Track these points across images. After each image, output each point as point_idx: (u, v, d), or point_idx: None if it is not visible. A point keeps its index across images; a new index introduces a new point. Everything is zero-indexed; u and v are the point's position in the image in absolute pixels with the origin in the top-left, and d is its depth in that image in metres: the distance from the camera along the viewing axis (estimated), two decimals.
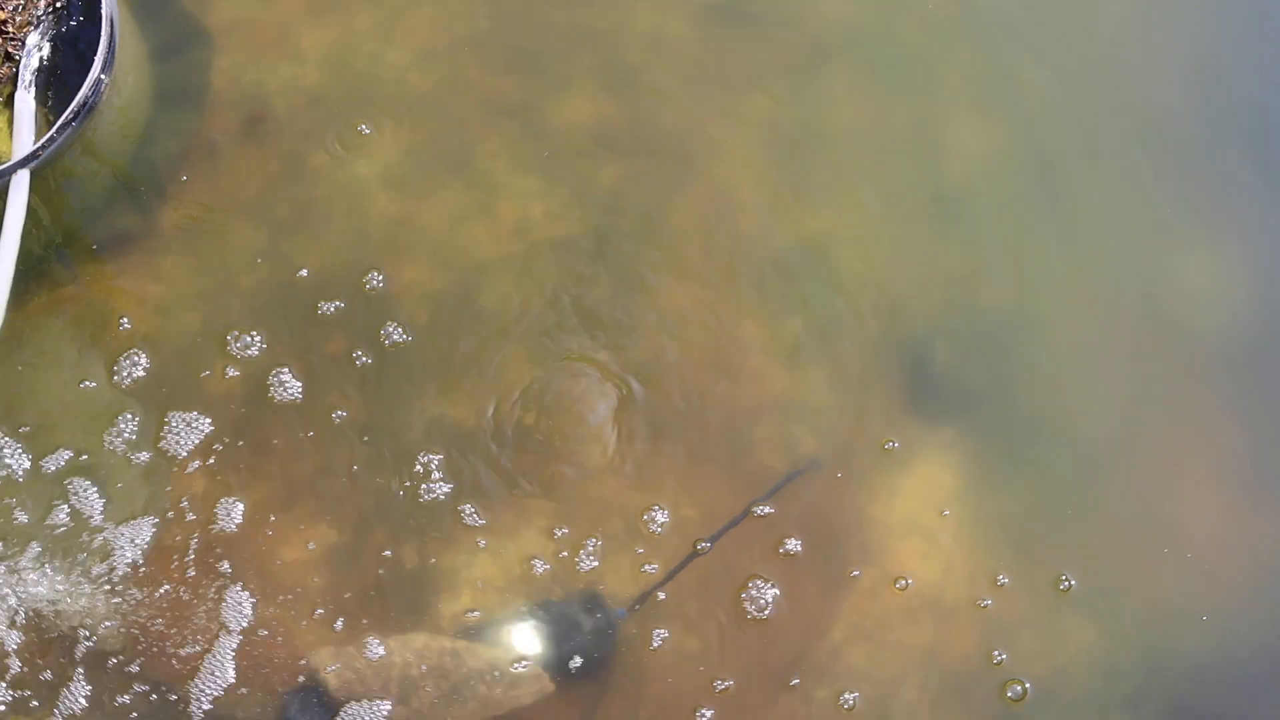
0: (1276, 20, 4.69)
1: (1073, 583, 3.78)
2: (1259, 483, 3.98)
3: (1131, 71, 4.57)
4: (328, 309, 3.92)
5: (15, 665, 3.48)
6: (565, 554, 3.70)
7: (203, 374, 3.83)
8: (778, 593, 3.69)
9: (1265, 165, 4.41)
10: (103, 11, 3.90)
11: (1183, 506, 3.92)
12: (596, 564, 3.69)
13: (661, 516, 3.76)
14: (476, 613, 3.61)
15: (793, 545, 3.74)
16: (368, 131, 4.20)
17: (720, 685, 3.60)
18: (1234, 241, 4.32)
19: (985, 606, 3.73)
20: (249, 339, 3.88)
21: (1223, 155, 4.45)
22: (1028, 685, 3.68)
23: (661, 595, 3.65)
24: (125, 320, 3.88)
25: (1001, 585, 3.76)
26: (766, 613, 3.67)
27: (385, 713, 3.47)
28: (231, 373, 3.84)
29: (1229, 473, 3.99)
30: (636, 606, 3.62)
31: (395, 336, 3.91)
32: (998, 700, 3.66)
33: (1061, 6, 4.65)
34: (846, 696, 3.62)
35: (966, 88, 4.48)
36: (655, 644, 3.62)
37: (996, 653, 3.70)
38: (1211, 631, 3.78)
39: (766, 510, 3.77)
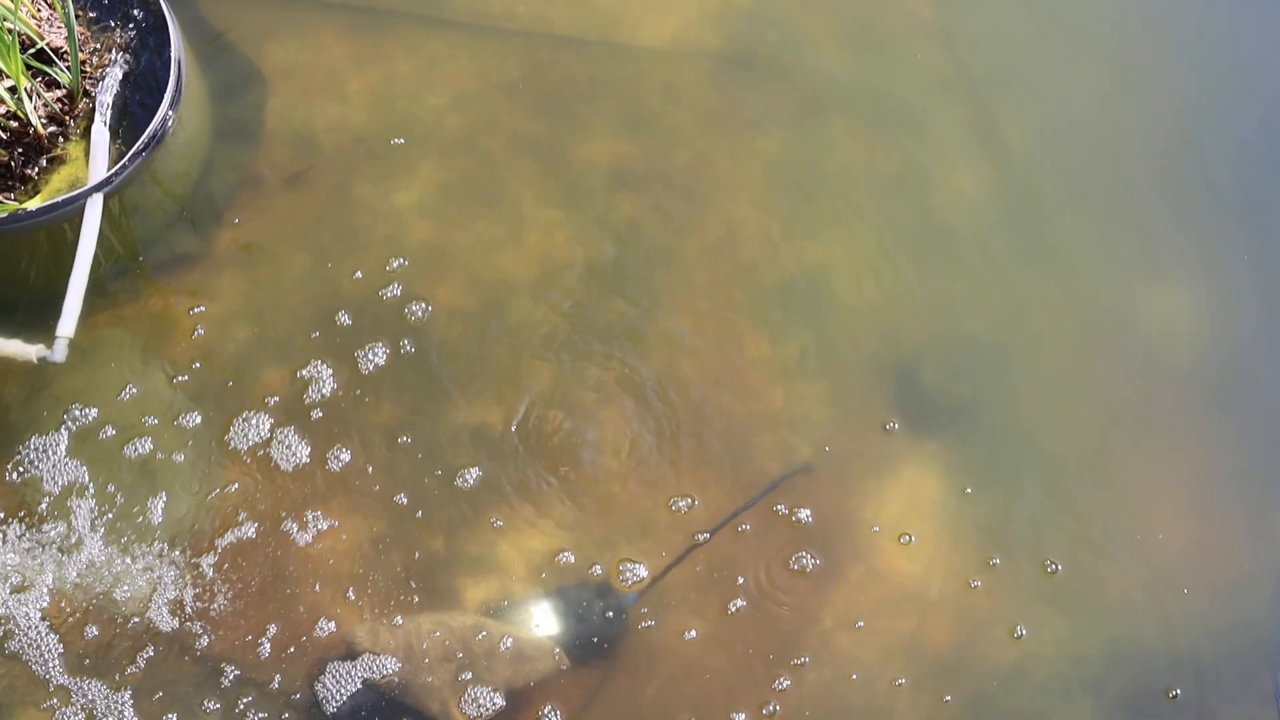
0: (1251, 67, 5.08)
1: (1045, 579, 4.10)
2: (1218, 496, 4.31)
3: (1110, 119, 4.95)
4: (368, 325, 4.29)
5: (73, 640, 3.83)
6: (581, 545, 4.05)
7: (254, 381, 4.19)
8: (773, 584, 4.03)
9: (1233, 207, 4.78)
10: (171, 54, 4.28)
11: (1148, 515, 4.24)
12: (610, 555, 4.04)
13: (667, 513, 4.11)
14: (499, 596, 3.96)
15: (788, 543, 4.08)
16: (407, 168, 4.58)
17: (718, 665, 3.93)
18: (1201, 278, 4.67)
19: (964, 599, 4.06)
20: (296, 349, 4.24)
21: (1195, 197, 4.81)
22: (1001, 669, 4.00)
23: (670, 583, 3.99)
24: (185, 332, 4.24)
25: (977, 583, 4.10)
26: (762, 602, 4.01)
27: (415, 682, 3.82)
28: (280, 380, 4.21)
29: (1191, 486, 4.32)
30: (643, 593, 3.97)
31: (430, 349, 4.27)
32: (973, 683, 3.98)
33: (1043, 62, 5.05)
34: (831, 680, 3.94)
35: (955, 134, 4.86)
36: (661, 628, 3.96)
37: (972, 641, 4.02)
38: (1170, 625, 4.10)
39: (767, 510, 4.11)
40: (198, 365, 4.18)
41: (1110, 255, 4.71)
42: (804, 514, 4.13)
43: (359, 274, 4.37)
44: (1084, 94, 5.02)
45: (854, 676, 3.95)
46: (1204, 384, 4.51)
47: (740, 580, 4.03)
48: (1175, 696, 4.00)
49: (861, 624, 4.02)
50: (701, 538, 4.05)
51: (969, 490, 4.21)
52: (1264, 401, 4.45)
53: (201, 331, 4.24)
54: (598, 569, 4.01)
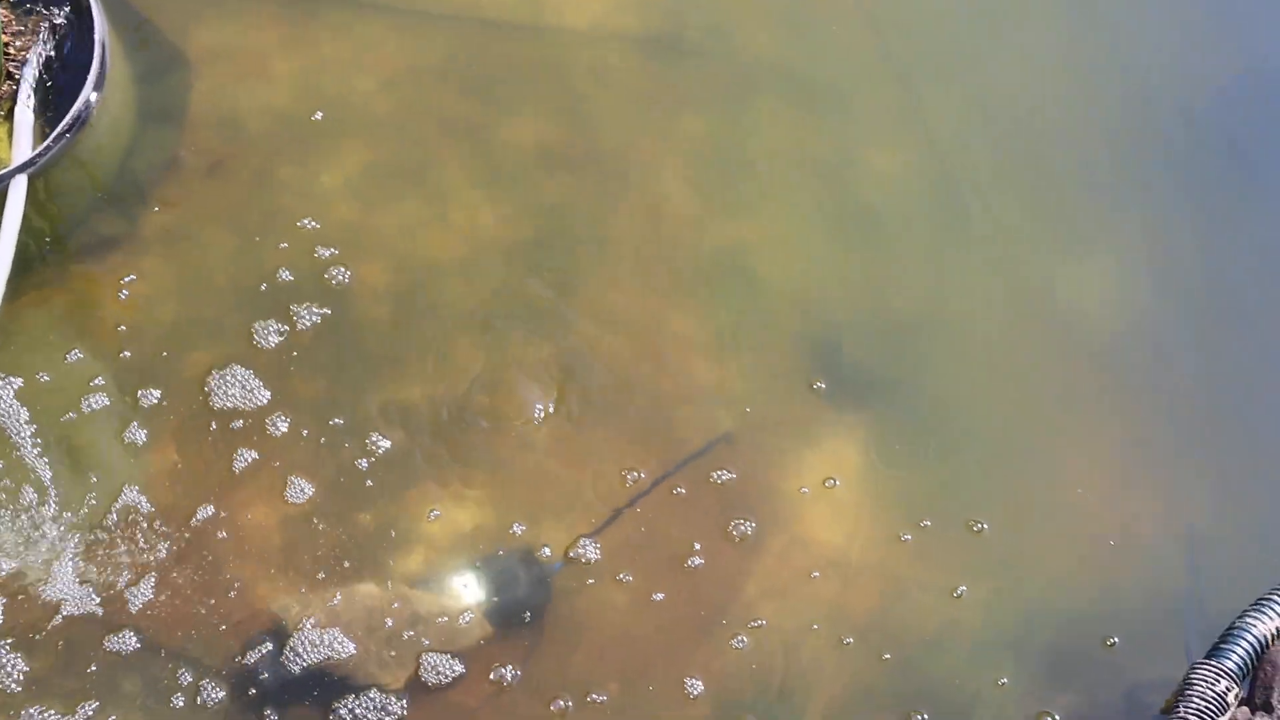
0: (1166, 50, 5.17)
1: (969, 542, 4.15)
2: (1132, 463, 4.39)
3: (1033, 101, 5.04)
4: (293, 304, 4.31)
5: None
6: (506, 517, 4.07)
7: (180, 361, 4.20)
8: (697, 553, 4.07)
9: (1147, 184, 4.87)
10: (95, 37, 4.30)
11: (1065, 483, 4.31)
12: (535, 526, 4.06)
13: (592, 485, 4.14)
14: (426, 568, 3.98)
15: (709, 513, 4.12)
16: (334, 149, 4.60)
17: (645, 634, 3.97)
18: (1118, 256, 4.76)
19: (888, 563, 4.11)
20: (222, 329, 4.26)
21: (1109, 174, 4.91)
22: (923, 634, 4.05)
23: (594, 553, 4.02)
24: (109, 314, 4.25)
25: (904, 541, 4.15)
26: (686, 571, 4.04)
27: (345, 652, 3.83)
28: (205, 359, 4.22)
29: (1108, 453, 4.39)
30: (566, 561, 4.00)
31: (355, 327, 4.29)
32: (896, 647, 4.03)
33: (968, 45, 5.12)
34: (755, 647, 3.98)
35: (880, 116, 4.93)
36: (587, 595, 3.99)
37: (894, 606, 4.07)
38: (1086, 589, 4.17)
39: (691, 479, 4.15)
40: (123, 348, 4.19)
41: (1031, 234, 4.79)
42: (728, 482, 4.17)
43: (284, 254, 4.39)
44: (1007, 76, 5.11)
45: (779, 642, 3.98)
46: (1119, 357, 4.59)
47: (665, 549, 4.06)
48: (1108, 645, 4.05)
49: (786, 591, 4.06)
50: (625, 508, 4.08)
51: (890, 459, 4.27)
52: (1176, 374, 4.54)
53: (126, 313, 4.24)
54: (523, 540, 4.04)
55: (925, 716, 3.93)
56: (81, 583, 3.84)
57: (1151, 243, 4.76)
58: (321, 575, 3.92)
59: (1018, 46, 5.15)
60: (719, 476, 4.17)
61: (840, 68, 5.02)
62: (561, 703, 3.84)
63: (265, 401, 4.14)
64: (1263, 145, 5.03)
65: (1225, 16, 5.37)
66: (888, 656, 4.00)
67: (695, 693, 3.89)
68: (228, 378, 4.17)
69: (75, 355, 4.15)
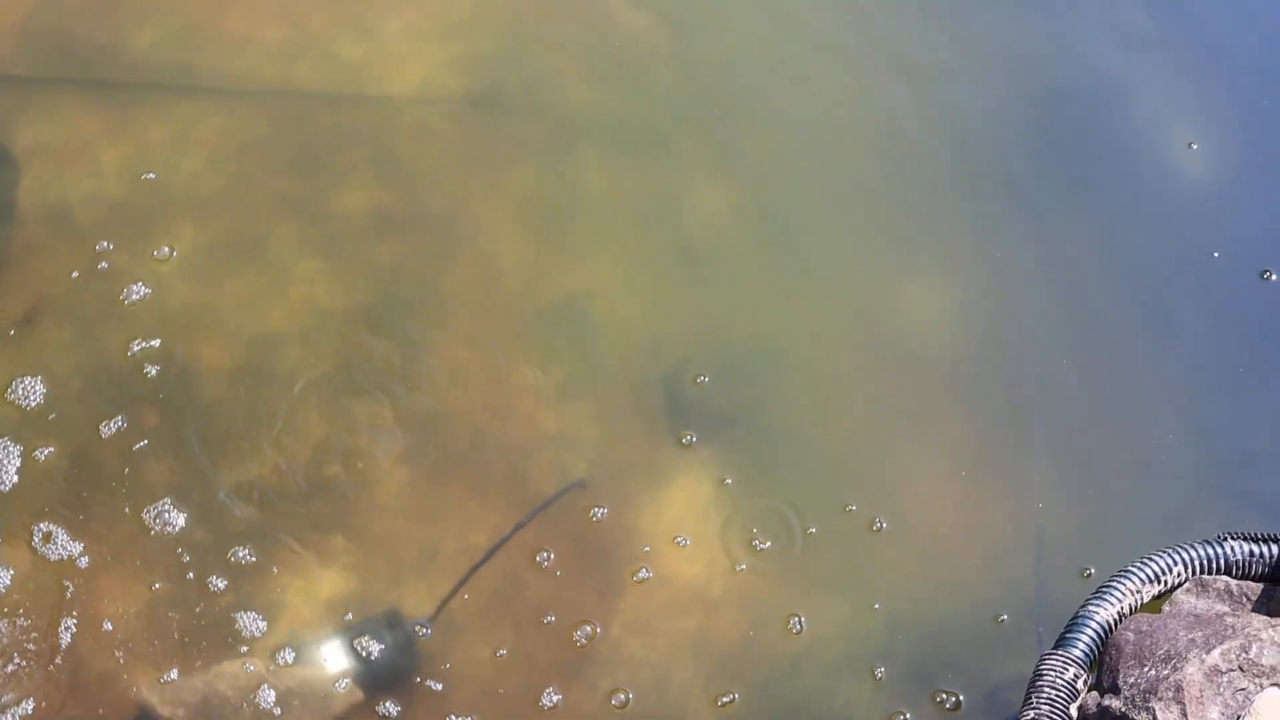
0: (966, 75, 5.38)
1: (825, 560, 4.27)
2: (975, 470, 4.55)
3: (842, 132, 5.20)
4: (137, 388, 4.32)
5: None
6: (369, 581, 4.12)
7: (26, 451, 4.19)
8: (559, 599, 4.15)
9: (963, 205, 5.06)
10: None
11: (915, 497, 4.45)
12: (397, 587, 4.11)
13: (451, 542, 4.20)
14: (290, 641, 4.01)
15: (569, 557, 4.20)
16: (165, 232, 4.63)
17: (515, 684, 4.03)
18: (946, 273, 4.92)
19: (745, 590, 4.22)
20: (64, 422, 4.25)
21: (935, 195, 5.07)
22: (785, 655, 4.16)
23: (458, 609, 4.08)
24: None
25: (762, 566, 4.25)
26: (550, 617, 4.12)
27: None
28: (49, 451, 4.21)
29: (951, 462, 4.54)
30: (432, 620, 4.05)
31: (201, 408, 4.31)
32: (763, 669, 4.13)
33: (775, 82, 5.28)
34: (625, 684, 4.06)
35: (699, 155, 5.06)
36: (454, 652, 4.04)
37: (756, 630, 4.18)
38: (943, 600, 4.31)
39: (547, 526, 4.23)
40: None
41: (855, 257, 4.95)
42: (585, 526, 4.25)
43: (122, 340, 4.40)
44: (825, 108, 5.26)
45: (649, 678, 4.07)
46: (960, 370, 4.74)
47: (528, 598, 4.13)
48: (966, 644, 4.18)
49: (650, 627, 4.14)
50: (484, 560, 4.15)
51: (742, 489, 4.37)
52: (1005, 380, 4.70)
53: None
54: (386, 602, 4.08)
55: None
56: None
57: (985, 258, 4.92)
58: (187, 659, 3.93)
59: (833, 78, 5.32)
60: (575, 522, 4.25)
61: (658, 112, 5.15)
62: None
63: (110, 491, 4.14)
64: (1089, 158, 5.23)
65: (1050, 32, 5.57)
66: (753, 680, 4.10)
67: None
68: (73, 471, 4.16)
69: None
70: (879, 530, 4.35)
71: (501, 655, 4.05)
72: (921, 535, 4.40)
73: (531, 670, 4.04)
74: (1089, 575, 4.30)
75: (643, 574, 4.21)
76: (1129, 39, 5.51)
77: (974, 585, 4.35)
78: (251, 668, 3.93)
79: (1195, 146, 5.20)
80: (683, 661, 4.11)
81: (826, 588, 4.26)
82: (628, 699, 4.04)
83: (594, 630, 4.12)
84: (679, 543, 4.27)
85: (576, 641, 4.10)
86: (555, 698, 4.01)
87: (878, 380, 4.70)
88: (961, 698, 4.12)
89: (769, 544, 4.30)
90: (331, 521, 4.17)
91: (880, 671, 4.15)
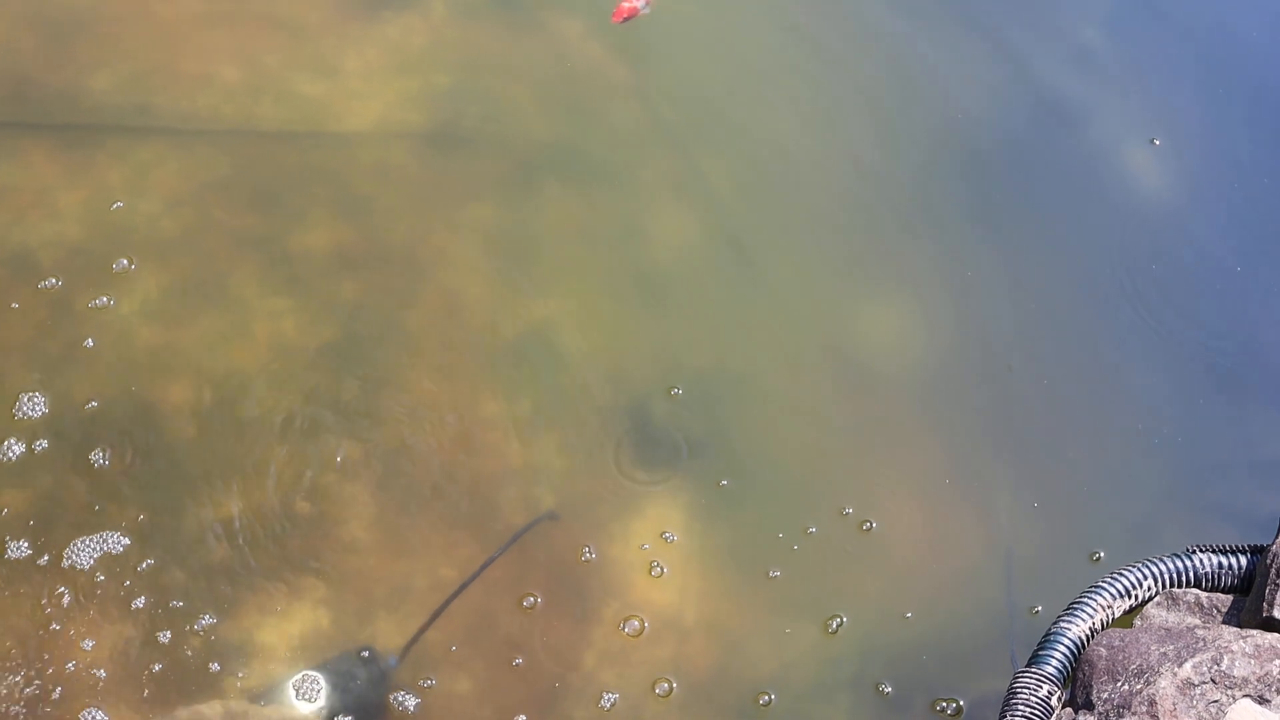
0: (918, 99, 5.44)
1: (795, 587, 4.28)
2: (943, 490, 4.57)
3: (799, 158, 5.25)
4: (103, 431, 4.30)
5: None
6: (341, 619, 4.11)
7: None
8: (533, 630, 4.14)
9: (932, 227, 5.11)
10: None
11: (884, 517, 4.48)
12: (369, 624, 4.10)
13: (422, 577, 4.19)
14: (262, 680, 3.99)
15: (542, 590, 4.20)
16: (128, 270, 4.61)
17: (486, 718, 4.02)
18: (906, 293, 4.97)
19: (718, 618, 4.23)
20: (31, 465, 4.23)
21: (893, 223, 5.13)
22: (761, 682, 4.16)
23: (431, 644, 4.07)
24: None
25: (733, 592, 4.26)
26: (524, 650, 4.11)
27: None
28: (18, 499, 4.18)
29: (919, 483, 4.58)
30: (404, 655, 4.04)
31: (168, 450, 4.30)
32: (734, 697, 4.14)
33: (733, 110, 5.33)
34: (601, 712, 4.06)
35: (660, 184, 5.10)
36: (426, 687, 4.03)
37: (730, 658, 4.18)
38: (915, 621, 4.32)
39: (518, 560, 4.22)
40: None
41: (819, 282, 4.99)
42: (556, 558, 4.25)
43: (88, 385, 4.38)
44: (772, 135, 5.32)
45: (625, 707, 4.06)
46: (926, 389, 4.79)
47: (501, 630, 4.13)
48: (941, 666, 4.20)
49: (624, 656, 4.14)
50: (456, 594, 4.14)
51: (711, 514, 4.39)
52: (969, 400, 4.74)
53: None
54: (359, 639, 4.07)
55: None
56: None
57: (947, 278, 4.97)
58: (158, 700, 3.90)
59: (787, 103, 5.37)
60: (547, 553, 4.25)
61: (615, 142, 5.19)
62: None
63: (80, 533, 4.12)
64: (1049, 178, 5.30)
65: (1005, 56, 5.64)
66: (729, 709, 4.10)
67: None
68: (43, 515, 4.14)
69: None
70: (844, 555, 4.37)
71: (474, 689, 4.03)
72: (887, 559, 4.41)
73: (506, 703, 4.03)
74: (1060, 592, 4.30)
75: (615, 603, 4.21)
76: (1082, 58, 5.58)
77: (943, 608, 4.37)
78: (224, 707, 3.90)
79: (1158, 142, 5.28)
80: (658, 691, 4.10)
81: (796, 614, 4.28)
82: None
83: (568, 661, 4.10)
84: (651, 571, 4.26)
85: (549, 674, 4.08)
86: None
87: (842, 403, 4.74)
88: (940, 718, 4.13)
89: (736, 571, 4.30)
90: (302, 559, 4.16)
91: (854, 700, 4.16)
